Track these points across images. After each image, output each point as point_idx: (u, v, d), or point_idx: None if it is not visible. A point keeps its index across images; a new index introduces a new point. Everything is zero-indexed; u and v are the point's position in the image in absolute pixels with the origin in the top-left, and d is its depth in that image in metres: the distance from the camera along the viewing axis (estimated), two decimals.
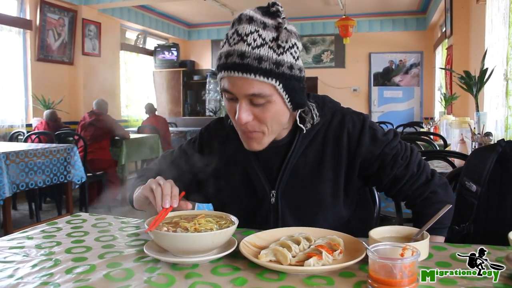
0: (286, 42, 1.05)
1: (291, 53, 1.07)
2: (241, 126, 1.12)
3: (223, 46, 1.10)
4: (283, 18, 1.08)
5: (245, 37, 1.04)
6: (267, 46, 1.04)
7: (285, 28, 1.06)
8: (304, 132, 1.20)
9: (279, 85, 1.06)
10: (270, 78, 1.04)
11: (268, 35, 1.05)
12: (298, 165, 1.21)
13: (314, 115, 1.20)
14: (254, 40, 1.03)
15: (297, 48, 1.10)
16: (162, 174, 1.32)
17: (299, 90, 1.12)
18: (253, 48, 1.03)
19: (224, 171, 1.28)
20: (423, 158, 1.28)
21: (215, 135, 1.34)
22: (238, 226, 1.01)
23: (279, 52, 1.05)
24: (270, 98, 1.07)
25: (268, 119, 1.10)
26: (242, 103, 1.07)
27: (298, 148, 1.20)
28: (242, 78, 1.04)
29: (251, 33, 1.04)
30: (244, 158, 1.25)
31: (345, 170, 1.21)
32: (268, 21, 1.07)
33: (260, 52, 1.03)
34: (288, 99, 1.10)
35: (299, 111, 1.19)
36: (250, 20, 1.05)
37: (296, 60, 1.09)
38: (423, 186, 1.21)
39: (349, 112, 1.26)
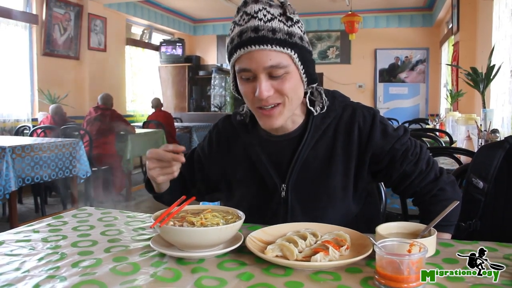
0: (294, 14, 1.11)
1: (299, 27, 1.13)
2: (262, 102, 1.11)
3: (232, 31, 1.13)
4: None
5: (255, 15, 1.09)
6: (277, 19, 1.09)
7: (289, 4, 1.12)
8: (316, 114, 1.21)
9: (294, 54, 1.10)
10: (285, 48, 1.08)
11: (276, 11, 1.10)
12: (309, 159, 1.20)
13: (324, 100, 1.22)
14: (265, 16, 1.09)
15: (302, 24, 1.15)
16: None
17: (311, 62, 1.17)
18: (265, 22, 1.07)
19: (234, 167, 1.29)
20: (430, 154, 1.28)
21: (223, 133, 1.35)
22: (248, 220, 1.01)
23: (289, 25, 1.10)
24: (288, 69, 1.10)
25: (288, 90, 1.11)
26: (261, 78, 1.09)
27: (308, 142, 1.20)
28: (259, 51, 1.07)
29: (260, 10, 1.09)
30: (253, 153, 1.25)
31: (355, 164, 1.21)
32: (272, 1, 1.13)
33: (272, 25, 1.08)
34: (303, 70, 1.14)
35: (308, 94, 1.21)
36: (256, 1, 1.11)
37: (303, 34, 1.14)
38: (432, 183, 1.21)
39: (359, 106, 1.26)
